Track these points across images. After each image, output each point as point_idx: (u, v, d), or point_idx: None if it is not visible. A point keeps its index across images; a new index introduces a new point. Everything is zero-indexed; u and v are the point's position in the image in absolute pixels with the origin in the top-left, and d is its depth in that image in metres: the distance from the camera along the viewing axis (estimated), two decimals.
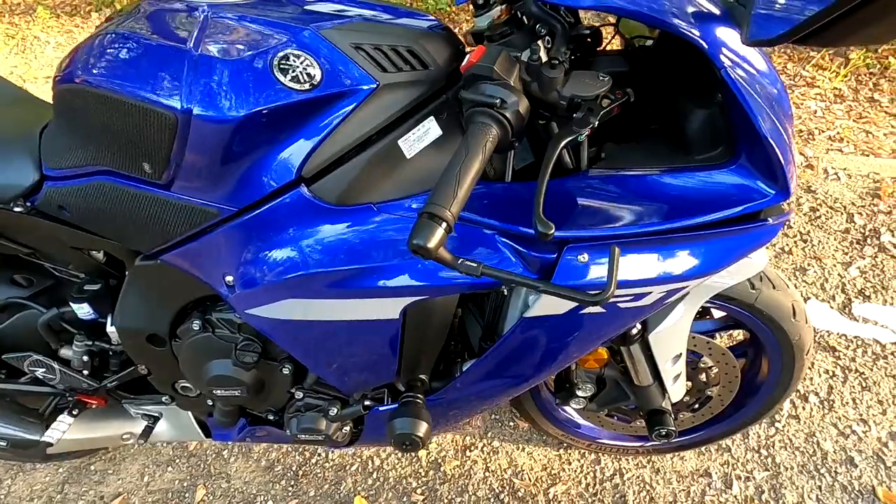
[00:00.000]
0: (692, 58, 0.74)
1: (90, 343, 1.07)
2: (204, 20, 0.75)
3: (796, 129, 2.45)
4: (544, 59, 0.73)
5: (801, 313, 1.10)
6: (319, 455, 1.53)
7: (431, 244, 0.58)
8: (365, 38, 0.75)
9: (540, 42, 0.74)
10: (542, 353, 0.91)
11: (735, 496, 1.39)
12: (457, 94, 0.79)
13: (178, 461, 1.53)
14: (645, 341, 1.05)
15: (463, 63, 0.75)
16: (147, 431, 1.23)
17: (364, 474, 1.48)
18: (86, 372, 1.10)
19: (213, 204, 0.80)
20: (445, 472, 1.47)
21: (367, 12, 0.81)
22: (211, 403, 1.14)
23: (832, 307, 1.77)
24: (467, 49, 0.83)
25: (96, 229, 0.90)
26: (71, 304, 1.01)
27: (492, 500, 1.41)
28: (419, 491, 1.44)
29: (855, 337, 1.69)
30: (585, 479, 1.44)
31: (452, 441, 1.53)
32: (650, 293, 0.83)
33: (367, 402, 1.05)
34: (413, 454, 1.51)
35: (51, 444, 1.15)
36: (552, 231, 0.63)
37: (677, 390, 1.14)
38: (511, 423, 1.56)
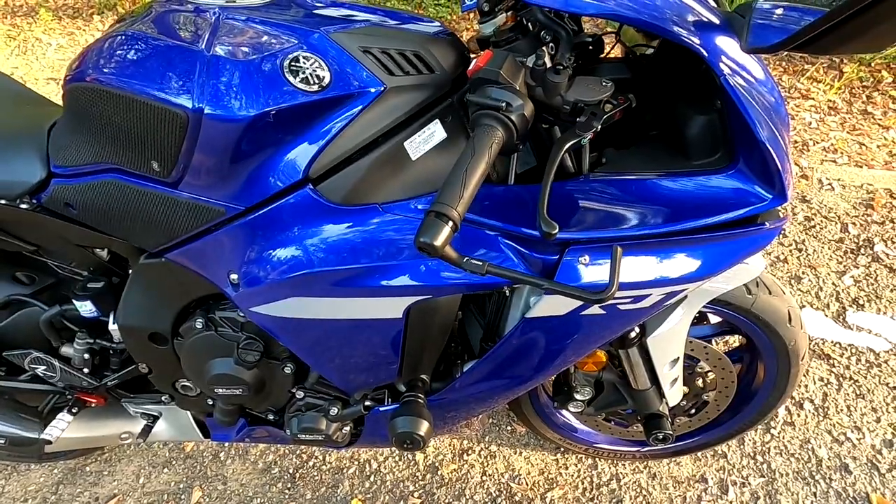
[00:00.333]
0: (692, 65, 0.76)
1: (91, 341, 1.07)
2: (216, 22, 0.77)
3: (792, 139, 2.49)
4: (549, 64, 0.75)
5: (797, 319, 1.11)
6: (317, 458, 1.52)
7: (438, 242, 0.59)
8: (373, 41, 0.77)
9: (545, 48, 0.76)
10: (542, 354, 0.92)
11: (731, 502, 1.39)
12: (462, 97, 0.80)
13: (174, 463, 1.53)
14: (643, 345, 1.06)
15: (470, 67, 0.76)
16: (146, 431, 1.23)
17: (361, 477, 1.48)
18: (86, 370, 1.10)
19: (220, 202, 0.81)
20: (443, 475, 1.47)
21: (376, 17, 0.83)
22: (211, 403, 1.14)
23: (827, 315, 1.79)
24: (472, 55, 0.85)
25: (102, 227, 0.90)
26: (73, 301, 1.01)
27: None
28: (416, 494, 1.44)
29: (849, 345, 1.71)
30: (582, 483, 1.45)
31: (450, 445, 1.53)
32: (649, 295, 0.84)
33: (367, 403, 1.05)
34: (411, 457, 1.51)
35: (49, 442, 1.15)
36: (556, 231, 0.65)
37: (674, 394, 1.15)
38: (509, 428, 1.57)
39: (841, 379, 1.63)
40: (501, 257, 0.81)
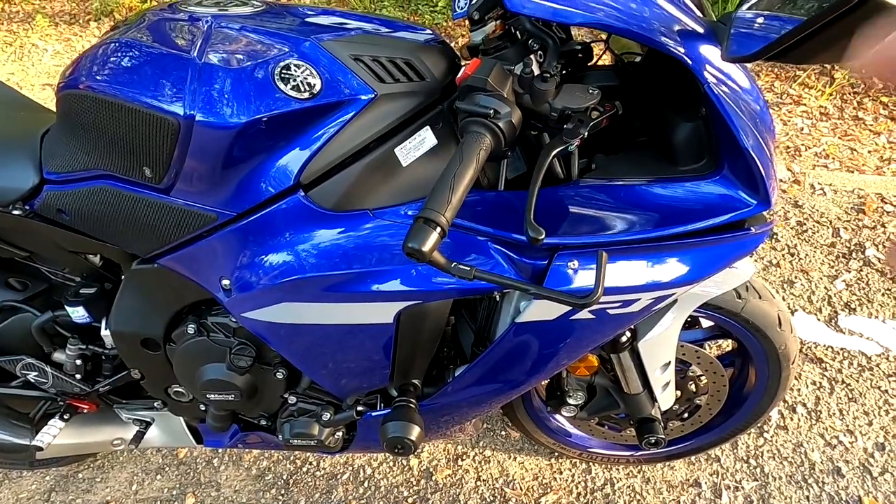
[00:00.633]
0: (678, 74, 0.77)
1: (84, 347, 1.07)
2: (208, 30, 0.78)
3: (784, 145, 2.51)
4: (536, 72, 0.76)
5: (787, 323, 1.12)
6: (311, 463, 1.52)
7: (426, 248, 0.60)
8: (364, 49, 0.78)
9: (532, 56, 0.77)
10: (533, 358, 0.93)
11: None
12: (452, 105, 0.81)
13: (167, 469, 1.52)
14: (634, 349, 1.07)
15: (458, 75, 0.77)
16: (138, 437, 1.23)
17: (355, 483, 1.48)
18: (78, 376, 1.10)
19: (212, 208, 0.81)
20: (437, 480, 1.47)
21: (367, 25, 0.84)
22: (203, 408, 1.14)
23: (819, 319, 1.80)
24: (463, 62, 0.86)
25: (94, 233, 0.91)
26: (66, 307, 1.01)
27: None
28: (410, 500, 1.44)
29: (841, 349, 1.72)
30: (576, 488, 1.45)
31: (444, 450, 1.53)
32: (638, 300, 0.85)
33: (359, 408, 1.06)
34: (405, 463, 1.51)
35: (41, 449, 1.14)
36: (542, 236, 0.65)
37: (667, 398, 1.16)
38: (503, 433, 1.57)
39: (833, 382, 1.64)
40: (491, 262, 0.82)
